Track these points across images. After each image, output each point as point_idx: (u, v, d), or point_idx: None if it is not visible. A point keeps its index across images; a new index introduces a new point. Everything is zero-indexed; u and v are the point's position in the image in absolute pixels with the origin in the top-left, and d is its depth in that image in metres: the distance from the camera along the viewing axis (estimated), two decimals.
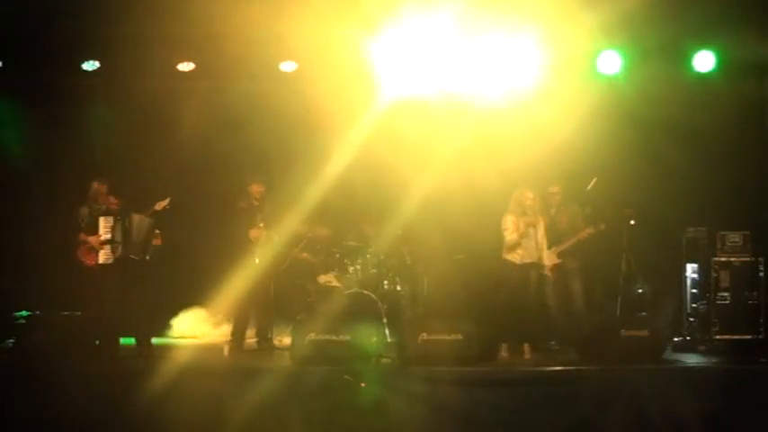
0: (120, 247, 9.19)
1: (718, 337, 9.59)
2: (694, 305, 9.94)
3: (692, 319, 9.94)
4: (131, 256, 9.22)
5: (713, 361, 9.00)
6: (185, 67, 10.31)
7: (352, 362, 8.08)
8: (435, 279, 10.57)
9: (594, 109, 10.16)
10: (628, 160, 10.43)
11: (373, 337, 8.46)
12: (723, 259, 9.73)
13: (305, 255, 10.54)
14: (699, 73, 10.14)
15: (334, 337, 8.35)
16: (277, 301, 9.89)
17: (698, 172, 10.43)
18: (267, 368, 8.30)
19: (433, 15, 9.47)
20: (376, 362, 8.39)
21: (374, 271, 10.27)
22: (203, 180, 10.96)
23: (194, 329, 10.86)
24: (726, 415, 7.80)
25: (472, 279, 10.45)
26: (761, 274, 9.64)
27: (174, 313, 10.91)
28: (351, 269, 10.25)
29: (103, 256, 9.22)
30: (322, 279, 10.31)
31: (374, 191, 10.74)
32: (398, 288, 10.36)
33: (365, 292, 9.88)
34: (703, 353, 9.42)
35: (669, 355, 9.07)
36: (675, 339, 9.86)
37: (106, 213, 9.29)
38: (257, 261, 9.46)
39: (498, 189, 9.93)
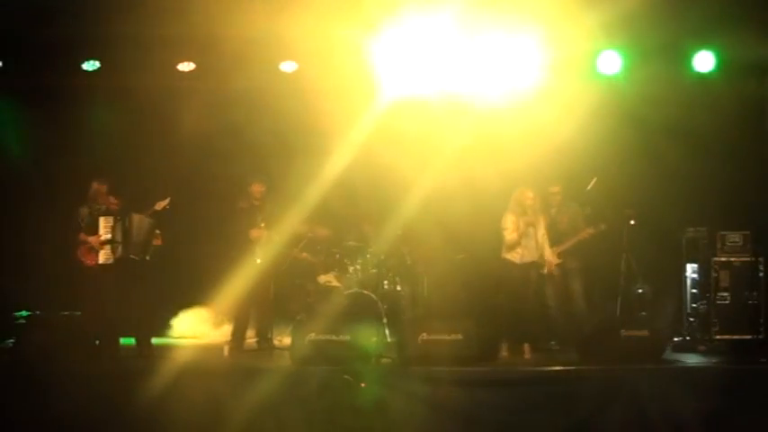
0: (120, 247, 9.19)
1: (718, 337, 9.59)
2: (694, 305, 9.94)
3: (692, 319, 9.94)
4: (131, 256, 9.22)
5: (713, 361, 8.99)
6: (185, 67, 10.31)
7: (352, 362, 8.08)
8: (435, 279, 10.57)
9: (594, 109, 10.16)
10: (628, 160, 10.44)
11: (373, 337, 8.45)
12: (723, 259, 9.73)
13: (305, 255, 10.54)
14: (699, 73, 10.14)
15: (334, 337, 8.35)
16: (277, 301, 9.89)
17: (698, 172, 10.42)
18: (267, 368, 8.30)
19: (432, 15, 9.46)
20: (376, 362, 8.39)
21: (374, 271, 10.27)
22: (203, 180, 10.96)
23: (194, 329, 10.86)
24: (726, 415, 7.80)
25: (472, 279, 10.45)
26: (761, 274, 9.64)
27: (174, 313, 10.91)
28: (351, 269, 10.25)
29: (103, 256, 9.22)
30: (322, 279, 10.32)
31: (374, 191, 10.75)
32: (398, 288, 10.37)
33: (365, 292, 9.88)
34: (703, 353, 9.42)
35: (669, 355, 9.07)
36: (675, 339, 9.87)
37: (106, 213, 9.29)
38: (258, 261, 9.46)
39: (498, 189, 9.94)
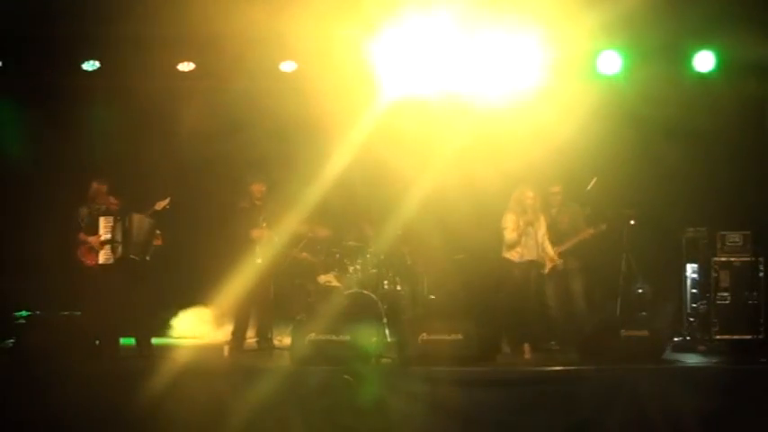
0: (120, 247, 9.19)
1: (718, 337, 9.59)
2: (694, 305, 9.95)
3: (692, 319, 9.94)
4: (131, 256, 9.22)
5: (713, 361, 8.99)
6: (185, 67, 10.31)
7: (352, 362, 8.07)
8: (435, 279, 10.57)
9: (594, 109, 10.16)
10: (628, 160, 10.44)
11: (373, 337, 8.45)
12: (723, 259, 9.73)
13: (305, 255, 10.54)
14: (699, 73, 10.14)
15: (334, 337, 8.34)
16: (277, 301, 9.90)
17: (698, 172, 10.43)
18: (267, 368, 8.30)
19: (432, 15, 9.47)
20: (376, 362, 8.39)
21: (374, 271, 10.27)
22: (203, 180, 10.96)
23: (195, 329, 10.85)
24: (726, 415, 7.79)
25: (472, 279, 10.45)
26: (761, 274, 9.64)
27: (174, 313, 10.91)
28: (351, 269, 10.25)
29: (103, 257, 9.22)
30: (322, 279, 10.31)
31: (374, 191, 10.75)
32: (398, 288, 10.37)
33: (365, 292, 9.88)
34: (703, 353, 9.41)
35: (669, 355, 9.06)
36: (675, 339, 9.87)
37: (106, 213, 9.28)
38: (259, 261, 9.46)
39: (498, 189, 9.95)
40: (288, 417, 7.75)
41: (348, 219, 10.76)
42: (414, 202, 10.26)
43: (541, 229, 9.69)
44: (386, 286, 10.30)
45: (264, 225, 9.56)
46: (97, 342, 8.73)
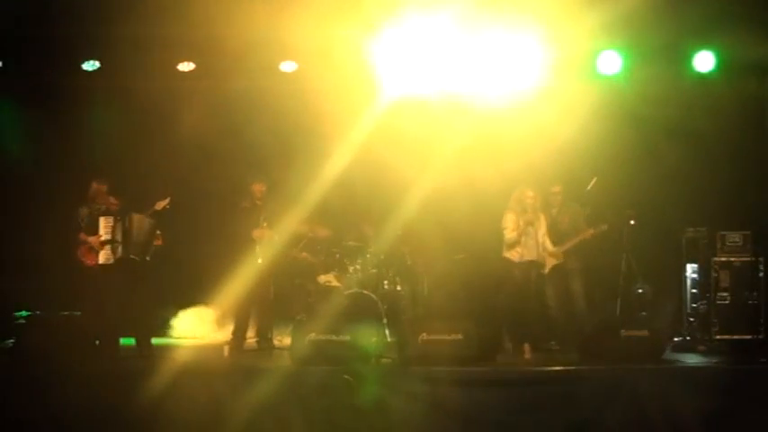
0: (120, 248, 9.19)
1: (718, 337, 9.60)
2: (694, 305, 9.95)
3: (691, 319, 9.94)
4: (132, 256, 9.22)
5: (713, 361, 8.99)
6: (185, 67, 10.31)
7: (352, 362, 8.07)
8: (435, 279, 10.57)
9: (594, 109, 10.17)
10: (628, 160, 10.44)
11: (373, 337, 8.45)
12: (723, 259, 9.73)
13: (305, 255, 10.54)
14: (699, 73, 10.14)
15: (334, 337, 8.34)
16: (277, 301, 9.90)
17: (698, 172, 10.43)
18: (267, 368, 8.29)
19: (432, 15, 9.47)
20: (376, 362, 8.39)
21: (374, 271, 10.27)
22: (203, 180, 10.95)
23: (195, 329, 10.85)
24: (726, 415, 7.79)
25: (472, 279, 10.44)
26: (761, 274, 9.65)
27: (175, 313, 10.91)
28: (351, 269, 10.25)
29: (104, 257, 9.23)
30: (322, 279, 10.32)
31: (374, 191, 10.75)
32: (398, 288, 10.37)
33: (365, 292, 9.88)
34: (703, 353, 9.41)
35: (669, 355, 9.06)
36: (675, 339, 9.87)
37: (106, 213, 9.29)
38: (260, 261, 9.46)
39: (498, 189, 9.95)
40: (288, 417, 7.75)
41: (348, 219, 10.76)
42: (414, 202, 10.26)
43: (542, 229, 9.69)
44: (386, 286, 10.30)
45: (265, 225, 9.56)
46: (97, 342, 8.72)
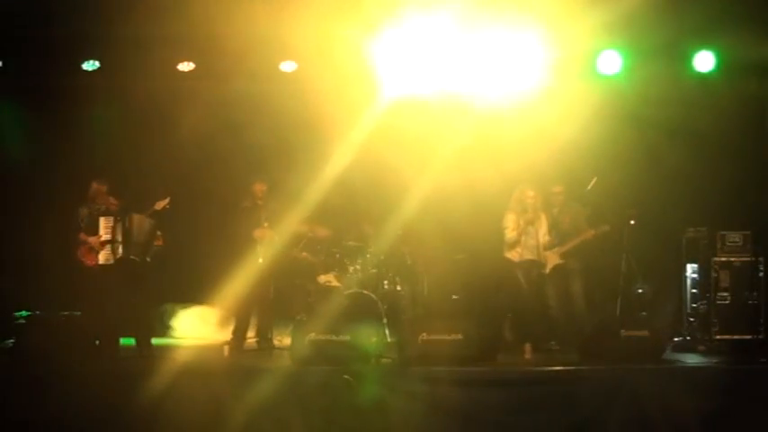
0: (120, 248, 9.19)
1: (718, 337, 9.59)
2: (694, 305, 9.94)
3: (692, 319, 9.94)
4: (132, 257, 9.21)
5: (713, 361, 8.99)
6: (185, 67, 10.30)
7: (352, 362, 8.07)
8: (435, 279, 10.57)
9: (595, 109, 10.16)
10: (628, 160, 10.43)
11: (373, 337, 8.44)
12: (723, 259, 9.73)
13: (305, 255, 10.54)
14: (699, 73, 10.13)
15: (334, 337, 8.33)
16: (277, 301, 9.89)
17: (698, 172, 10.42)
18: (267, 368, 8.29)
19: (432, 15, 9.46)
20: (376, 362, 8.39)
21: (374, 271, 10.27)
22: (203, 180, 10.96)
23: (195, 330, 10.85)
24: (726, 415, 7.79)
25: (472, 279, 10.44)
26: (761, 274, 9.64)
27: (175, 313, 10.91)
28: (351, 269, 10.25)
29: (104, 257, 9.23)
30: (322, 279, 10.31)
31: (374, 191, 10.75)
32: (398, 288, 10.36)
33: (365, 292, 9.87)
34: (703, 353, 9.42)
35: (669, 355, 9.06)
36: (675, 339, 9.86)
37: (106, 213, 9.29)
38: (260, 261, 9.46)
39: (499, 189, 9.96)
40: (288, 417, 7.74)
41: (348, 219, 10.76)
42: (414, 202, 10.26)
43: (542, 229, 9.68)
44: (386, 286, 10.29)
45: (266, 225, 9.56)
46: (97, 342, 8.71)
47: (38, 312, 9.48)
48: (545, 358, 9.12)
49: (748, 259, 9.67)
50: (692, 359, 9.11)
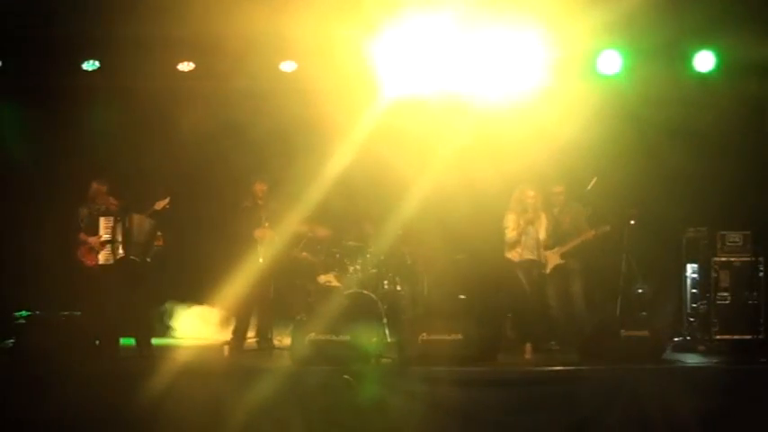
0: (120, 248, 9.19)
1: (718, 337, 9.58)
2: (694, 305, 9.94)
3: (692, 319, 9.94)
4: (132, 257, 9.21)
5: (713, 361, 8.99)
6: (185, 67, 10.31)
7: (352, 362, 8.07)
8: (435, 279, 10.57)
9: (595, 109, 10.17)
10: (628, 160, 10.43)
11: (373, 337, 8.44)
12: (723, 259, 9.73)
13: (305, 255, 10.54)
14: (699, 73, 10.14)
15: (334, 337, 8.33)
16: (277, 301, 9.89)
17: (698, 172, 10.41)
18: (267, 368, 8.29)
19: (432, 15, 9.47)
20: (376, 362, 8.38)
21: (374, 271, 10.27)
22: (204, 180, 10.96)
23: (195, 330, 10.85)
24: (726, 415, 7.79)
25: (472, 279, 10.44)
26: (761, 274, 9.64)
27: (175, 313, 10.91)
28: (351, 269, 10.25)
29: (104, 257, 9.23)
30: (322, 279, 10.31)
31: (374, 191, 10.74)
32: (398, 288, 10.36)
33: (365, 292, 9.87)
34: (703, 353, 9.41)
35: (669, 355, 9.06)
36: (675, 339, 9.86)
37: (106, 213, 9.29)
38: (261, 260, 9.46)
39: (499, 189, 9.96)
40: (288, 417, 7.75)
41: (348, 218, 10.76)
42: (414, 202, 10.26)
43: (542, 229, 9.68)
44: (386, 286, 10.29)
45: (267, 225, 9.56)
46: (97, 342, 8.71)
47: (38, 312, 9.48)
48: (545, 358, 9.11)
49: (748, 259, 9.67)
50: (692, 359, 9.10)
